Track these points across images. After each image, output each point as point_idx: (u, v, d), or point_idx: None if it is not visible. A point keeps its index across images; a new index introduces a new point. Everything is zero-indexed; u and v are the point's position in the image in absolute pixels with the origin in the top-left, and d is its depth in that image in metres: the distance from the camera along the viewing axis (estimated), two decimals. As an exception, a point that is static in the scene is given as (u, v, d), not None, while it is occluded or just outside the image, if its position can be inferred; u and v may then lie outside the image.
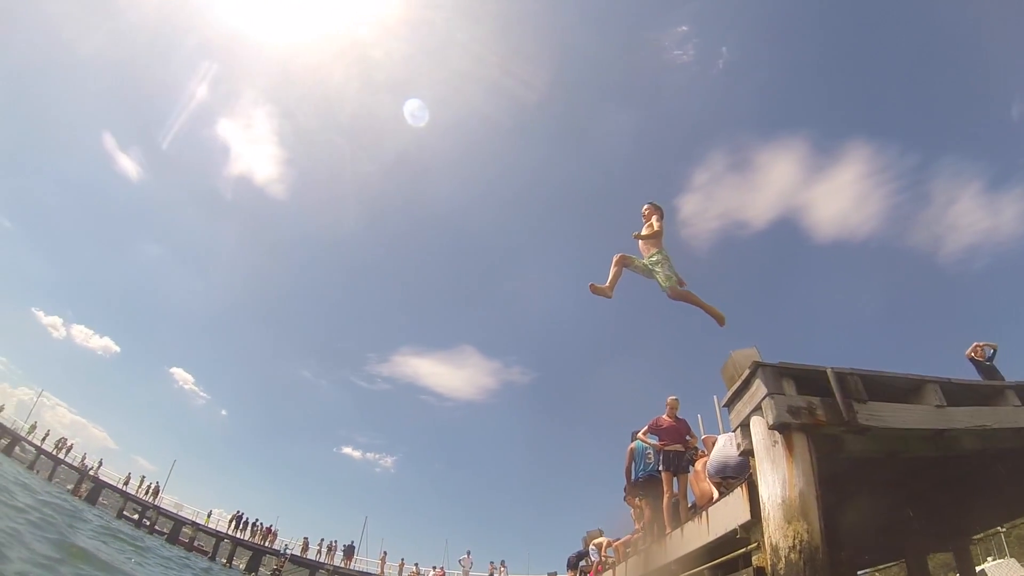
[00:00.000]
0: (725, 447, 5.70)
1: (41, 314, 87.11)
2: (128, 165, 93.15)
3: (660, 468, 6.83)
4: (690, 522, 5.26)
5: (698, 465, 6.16)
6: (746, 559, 4.26)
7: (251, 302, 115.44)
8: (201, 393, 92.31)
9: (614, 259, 5.23)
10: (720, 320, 5.34)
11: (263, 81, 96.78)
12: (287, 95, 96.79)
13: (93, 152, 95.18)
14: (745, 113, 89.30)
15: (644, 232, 5.51)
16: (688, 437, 7.01)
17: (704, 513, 5.06)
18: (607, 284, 5.11)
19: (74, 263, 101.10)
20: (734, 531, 4.50)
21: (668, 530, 5.91)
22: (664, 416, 7.24)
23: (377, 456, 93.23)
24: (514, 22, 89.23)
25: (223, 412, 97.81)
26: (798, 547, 3.69)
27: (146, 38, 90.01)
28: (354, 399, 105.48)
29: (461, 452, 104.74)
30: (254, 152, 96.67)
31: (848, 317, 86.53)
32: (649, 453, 7.25)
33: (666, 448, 6.84)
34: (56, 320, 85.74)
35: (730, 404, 5.52)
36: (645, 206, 5.67)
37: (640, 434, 7.47)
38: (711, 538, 4.78)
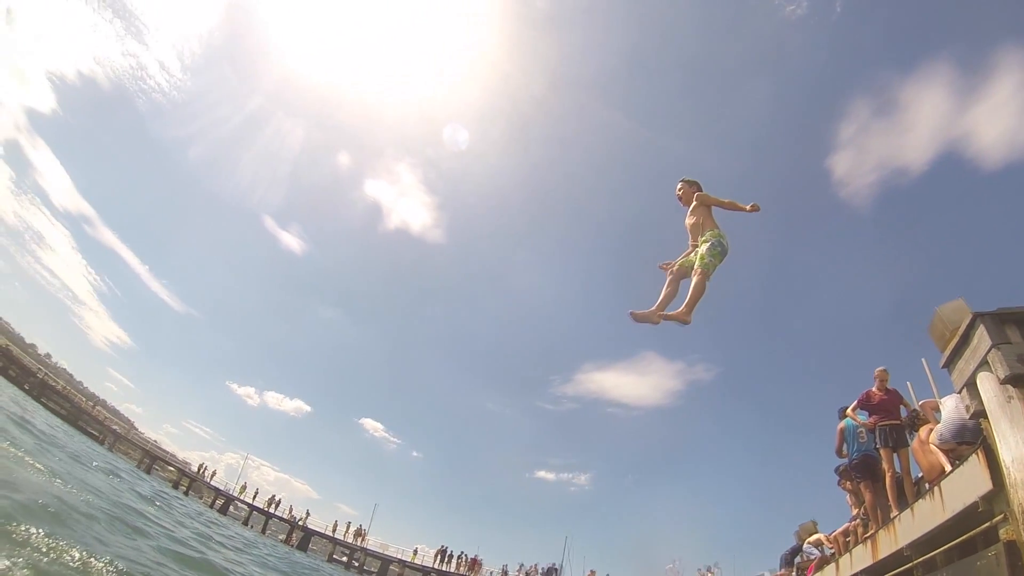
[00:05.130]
0: (958, 408, 5.46)
1: (235, 386, 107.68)
2: (291, 241, 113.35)
3: (877, 445, 6.59)
4: (920, 500, 5.07)
5: (922, 433, 5.85)
6: (988, 535, 4.08)
7: (427, 345, 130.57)
8: (392, 439, 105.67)
9: (667, 276, 4.66)
10: (684, 321, 4.40)
11: (396, 137, 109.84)
12: (421, 145, 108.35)
13: (258, 236, 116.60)
14: (877, 51, 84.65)
15: (690, 219, 4.86)
16: (902, 406, 6.67)
17: (936, 488, 4.87)
18: (655, 307, 4.52)
19: (258, 336, 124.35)
20: (974, 504, 4.32)
21: (895, 512, 5.71)
22: (873, 389, 6.95)
23: (571, 475, 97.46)
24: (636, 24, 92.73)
25: (415, 453, 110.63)
26: (1056, 513, 3.53)
27: (282, 119, 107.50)
28: (542, 423, 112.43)
29: (656, 459, 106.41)
30: (405, 204, 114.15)
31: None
32: (861, 432, 7.01)
33: (881, 423, 6.58)
34: (250, 390, 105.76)
35: (949, 364, 5.28)
36: (679, 185, 5.05)
37: (849, 411, 7.24)
38: (948, 516, 4.60)
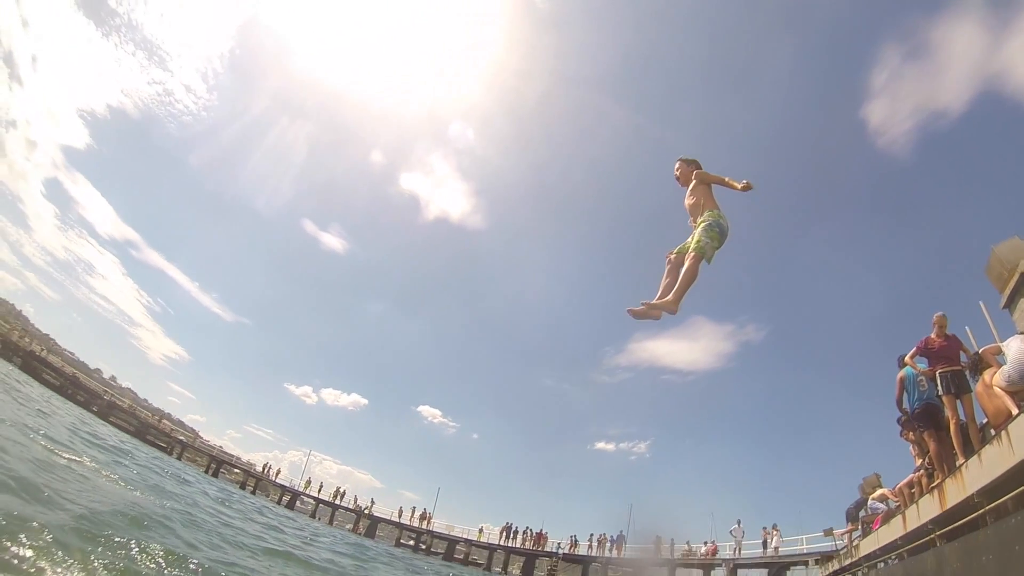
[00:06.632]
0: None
1: (292, 387, 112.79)
2: (332, 241, 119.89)
3: (939, 392, 6.47)
4: (988, 446, 4.99)
5: (986, 377, 5.71)
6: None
7: (478, 328, 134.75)
8: (450, 423, 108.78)
9: (666, 264, 4.34)
10: (670, 311, 4.04)
11: (425, 129, 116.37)
12: (451, 135, 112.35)
13: (298, 239, 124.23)
14: (902, -9, 77.93)
15: (689, 200, 4.53)
16: (962, 352, 6.51)
17: (1004, 432, 4.79)
18: (654, 300, 4.12)
19: (309, 337, 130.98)
20: (1045, 445, 4.25)
21: (962, 460, 5.62)
22: (932, 336, 6.80)
23: (630, 444, 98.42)
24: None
25: (474, 436, 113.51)
26: None
27: (307, 125, 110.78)
28: (598, 395, 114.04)
29: (713, 422, 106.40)
30: (442, 194, 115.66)
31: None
32: (922, 380, 6.89)
33: (942, 370, 6.45)
34: (307, 389, 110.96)
35: (1010, 304, 5.15)
36: (676, 165, 4.77)
37: (908, 359, 7.10)
38: (1017, 459, 4.54)
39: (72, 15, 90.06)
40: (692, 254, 4.04)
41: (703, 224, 4.20)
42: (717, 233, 4.15)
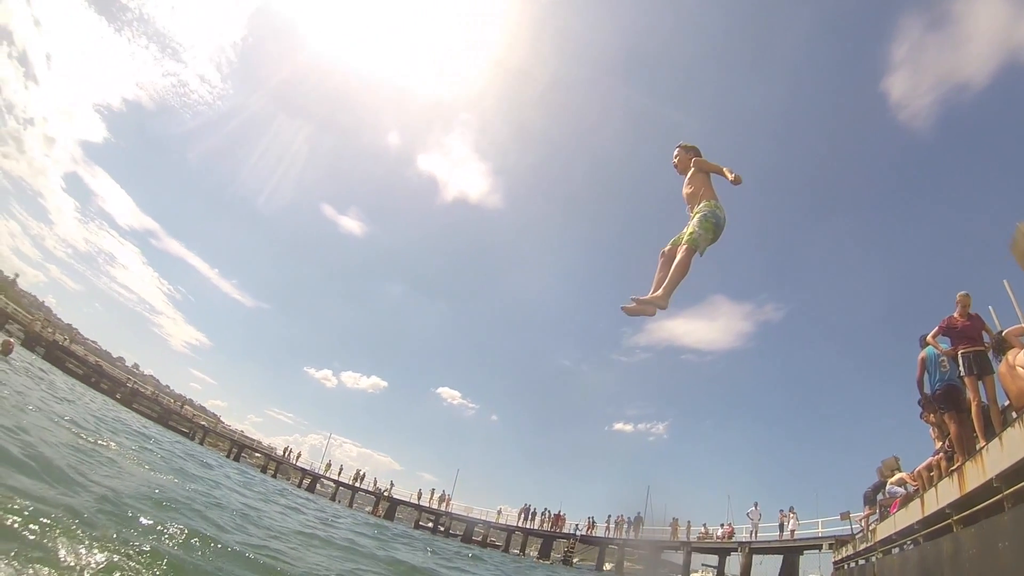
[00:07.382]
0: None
1: (312, 371, 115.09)
2: (350, 224, 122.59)
3: (961, 373, 6.36)
4: (1009, 428, 4.91)
5: (1010, 357, 5.60)
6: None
7: (497, 309, 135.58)
8: (470, 405, 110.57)
9: (660, 258, 4.16)
10: (661, 306, 3.86)
11: (440, 111, 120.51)
12: (469, 115, 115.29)
13: (317, 224, 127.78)
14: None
15: (687, 188, 4.40)
16: (984, 332, 6.39)
17: (1026, 415, 4.71)
18: (646, 296, 3.90)
19: (329, 320, 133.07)
20: (1068, 428, 4.17)
21: (982, 443, 5.54)
22: (955, 315, 6.69)
23: (649, 425, 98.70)
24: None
25: (494, 417, 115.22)
26: None
27: (323, 110, 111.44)
28: (617, 375, 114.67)
29: (731, 403, 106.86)
30: (460, 174, 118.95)
31: None
32: (943, 360, 6.78)
33: (964, 350, 6.35)
34: (327, 372, 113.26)
35: (1035, 281, 5.00)
36: (676, 151, 4.63)
37: (930, 338, 7.00)
38: (1039, 442, 4.46)
39: (83, 12, 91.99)
40: (685, 246, 3.91)
41: (698, 215, 4.08)
42: (712, 225, 4.03)
